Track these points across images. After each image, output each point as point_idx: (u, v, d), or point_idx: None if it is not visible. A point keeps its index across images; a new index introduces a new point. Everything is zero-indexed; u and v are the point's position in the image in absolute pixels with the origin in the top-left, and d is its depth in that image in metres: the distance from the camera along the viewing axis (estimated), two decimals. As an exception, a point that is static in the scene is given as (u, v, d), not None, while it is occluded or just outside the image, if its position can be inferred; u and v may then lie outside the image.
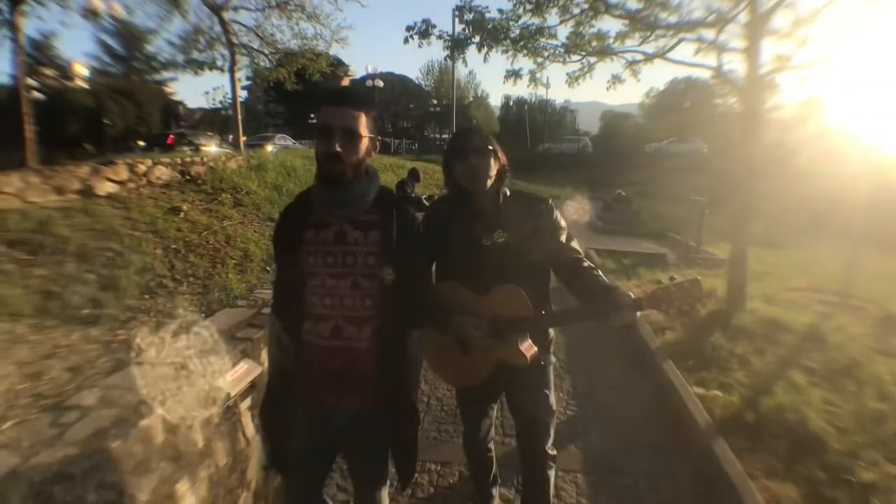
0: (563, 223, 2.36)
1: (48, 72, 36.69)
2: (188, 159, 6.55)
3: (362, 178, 1.99)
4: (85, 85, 39.15)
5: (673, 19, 6.25)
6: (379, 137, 2.06)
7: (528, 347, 2.20)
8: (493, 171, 2.27)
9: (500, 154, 2.32)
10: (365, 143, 1.94)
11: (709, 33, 6.06)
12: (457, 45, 6.75)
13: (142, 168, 5.65)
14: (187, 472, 2.45)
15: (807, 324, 5.87)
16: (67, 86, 36.91)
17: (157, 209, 4.95)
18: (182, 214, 5.04)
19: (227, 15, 14.17)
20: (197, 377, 2.65)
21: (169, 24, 14.32)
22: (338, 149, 1.85)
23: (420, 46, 7.07)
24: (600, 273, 2.19)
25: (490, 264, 2.24)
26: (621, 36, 6.64)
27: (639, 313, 2.00)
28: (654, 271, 8.92)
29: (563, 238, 2.32)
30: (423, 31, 6.78)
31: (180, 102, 51.49)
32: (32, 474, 1.83)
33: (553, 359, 2.54)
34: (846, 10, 5.72)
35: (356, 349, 1.98)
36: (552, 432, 2.56)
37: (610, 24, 6.70)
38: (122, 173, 5.37)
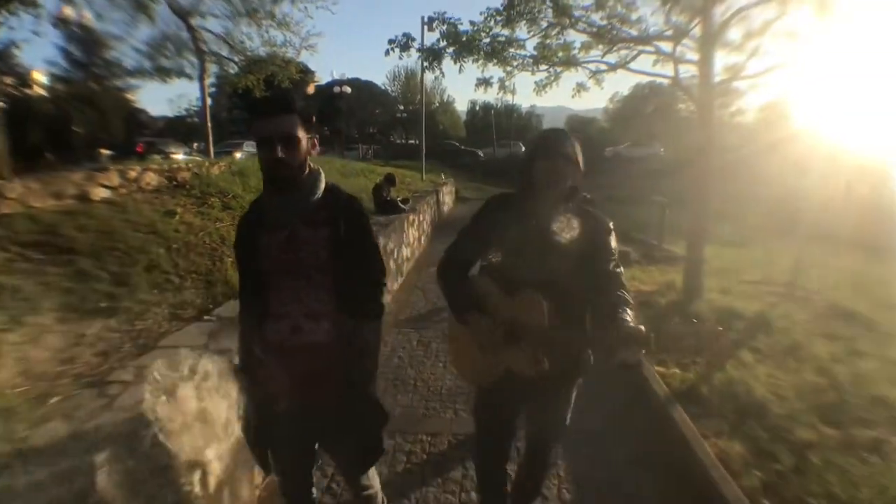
0: (615, 249, 2.26)
1: (7, 80, 35.91)
2: (175, 166, 6.82)
3: (307, 179, 2.06)
4: (44, 93, 38.37)
5: (634, 32, 6.76)
6: (317, 136, 2.13)
7: (538, 361, 2.15)
8: (569, 182, 2.18)
9: (580, 169, 2.21)
10: (304, 145, 2.00)
11: (666, 46, 6.60)
12: (434, 57, 7.18)
13: (132, 174, 5.90)
14: (214, 441, 2.78)
15: (756, 311, 6.40)
16: (27, 94, 36.15)
17: (153, 212, 5.23)
18: (177, 217, 5.33)
19: (195, 22, 14.18)
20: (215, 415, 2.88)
21: (136, 31, 14.20)
22: (280, 155, 1.92)
23: (400, 58, 7.51)
24: (629, 311, 2.04)
25: (537, 269, 2.18)
26: (586, 47, 7.14)
27: (644, 351, 1.89)
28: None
29: (610, 265, 2.20)
30: (404, 44, 7.29)
31: (142, 110, 50.64)
32: (92, 437, 2.16)
33: (580, 386, 2.47)
34: (796, 24, 6.30)
35: (315, 343, 2.06)
36: (559, 441, 2.60)
37: (575, 35, 7.15)
38: (115, 179, 5.62)
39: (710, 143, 6.45)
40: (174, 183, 6.45)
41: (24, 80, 37.41)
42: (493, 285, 2.28)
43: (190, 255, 4.68)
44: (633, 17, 6.62)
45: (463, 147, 50.99)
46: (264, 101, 2.06)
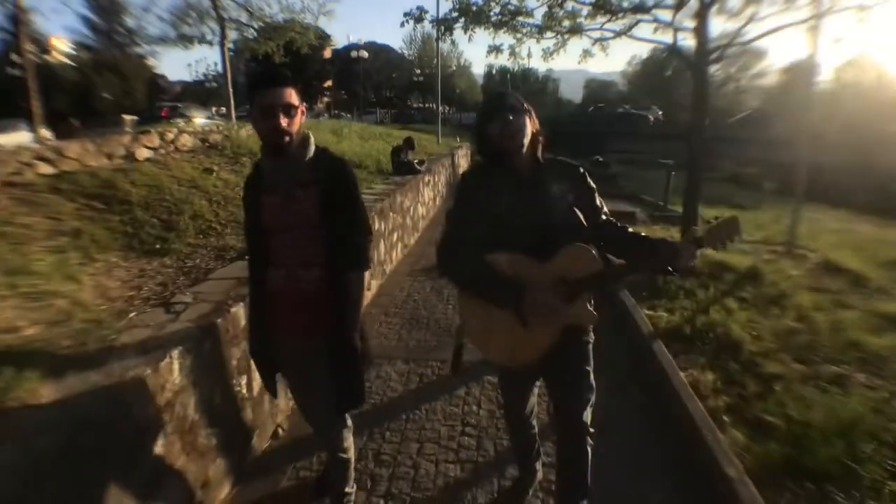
0: (594, 188, 2.32)
1: (28, 47, 36.09)
2: (207, 128, 7.35)
3: (299, 144, 2.26)
4: (65, 59, 38.90)
5: (636, 1, 7.12)
6: (305, 105, 2.28)
7: (591, 305, 2.23)
8: (529, 131, 2.17)
9: (534, 117, 2.23)
10: (300, 114, 2.20)
11: (665, 15, 6.97)
12: (445, 27, 7.61)
13: (170, 136, 6.43)
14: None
15: (749, 266, 6.83)
16: (48, 61, 36.66)
17: (193, 170, 5.77)
18: (214, 174, 5.88)
19: None
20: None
21: (160, 0, 14.59)
22: (283, 124, 2.11)
23: (414, 29, 7.93)
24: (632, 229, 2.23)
25: (549, 221, 2.17)
26: (591, 15, 7.49)
27: (699, 252, 2.08)
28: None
29: (598, 202, 2.32)
30: (418, 17, 7.77)
31: (162, 76, 50.98)
32: (167, 338, 2.72)
33: (592, 336, 2.47)
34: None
35: (305, 290, 2.32)
36: (591, 409, 2.47)
37: (580, 4, 7.51)
38: (156, 141, 6.15)
39: (704, 108, 6.84)
40: (207, 144, 6.98)
41: (43, 46, 37.97)
42: (519, 257, 2.17)
43: (228, 207, 5.23)
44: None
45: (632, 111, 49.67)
46: (266, 74, 2.16)
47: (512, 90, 2.43)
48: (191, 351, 2.69)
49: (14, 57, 34.01)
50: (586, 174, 2.32)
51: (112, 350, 2.56)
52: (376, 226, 6.40)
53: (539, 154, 2.26)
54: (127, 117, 23.64)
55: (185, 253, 4.20)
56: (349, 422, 2.63)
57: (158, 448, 2.43)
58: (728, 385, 4.06)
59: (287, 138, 2.16)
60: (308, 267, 2.32)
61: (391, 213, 7.44)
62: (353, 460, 2.73)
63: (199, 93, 50.16)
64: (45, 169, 4.70)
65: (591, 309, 2.22)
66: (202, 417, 2.80)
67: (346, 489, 2.74)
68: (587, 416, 2.43)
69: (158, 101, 36.96)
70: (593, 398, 2.46)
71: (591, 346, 2.46)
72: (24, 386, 2.12)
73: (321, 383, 2.38)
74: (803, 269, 7.19)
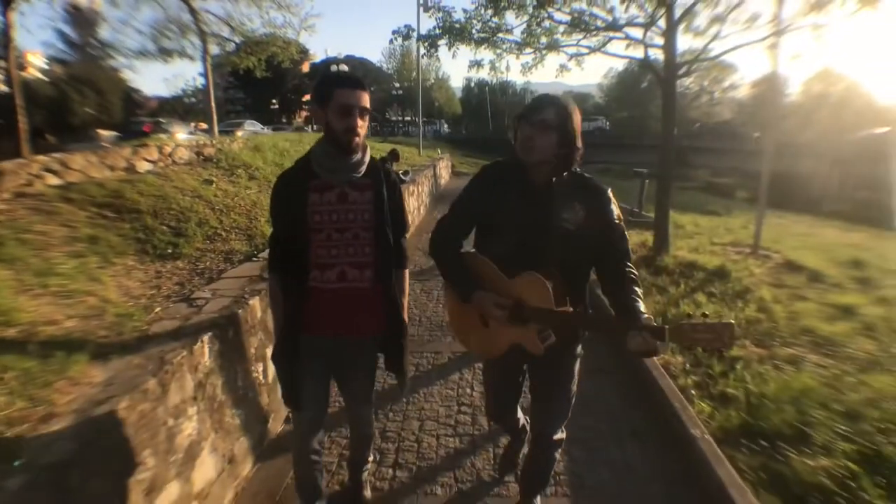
0: (619, 217, 2.19)
1: (2, 64, 35.50)
2: (202, 142, 7.66)
3: (363, 148, 2.38)
4: (40, 75, 38.59)
5: (609, 19, 7.60)
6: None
7: (548, 338, 2.16)
8: (553, 151, 2.08)
9: (573, 135, 2.09)
10: (367, 119, 2.34)
11: (636, 32, 7.47)
12: (430, 44, 8.05)
13: (167, 149, 6.73)
14: (270, 343, 3.67)
15: (717, 265, 7.29)
16: (24, 77, 36.27)
17: (193, 181, 6.08)
18: (214, 185, 6.19)
19: (196, 4, 14.60)
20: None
21: (139, 13, 14.62)
22: (359, 124, 2.24)
23: (402, 46, 8.34)
24: (638, 289, 2.09)
25: (541, 248, 2.13)
26: (567, 32, 7.95)
27: (660, 344, 1.87)
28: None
29: (619, 234, 2.16)
30: (406, 34, 8.25)
31: (137, 90, 50.59)
32: (195, 326, 3.04)
33: (581, 351, 2.48)
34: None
35: (360, 289, 2.40)
36: (567, 415, 2.57)
37: (559, 16, 7.97)
38: (154, 154, 6.44)
39: (673, 119, 7.32)
40: (202, 157, 7.29)
41: (20, 62, 37.48)
42: (491, 265, 2.21)
43: (231, 215, 5.56)
44: (607, 6, 7.50)
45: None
46: (348, 75, 2.35)
47: (566, 100, 2.16)
48: (218, 337, 3.03)
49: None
50: (612, 202, 2.18)
51: (147, 338, 2.89)
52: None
53: (565, 170, 2.16)
54: (104, 132, 23.61)
55: (196, 256, 4.52)
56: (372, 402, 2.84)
57: (193, 423, 2.76)
58: (696, 366, 4.49)
59: (358, 139, 2.27)
60: (361, 267, 2.39)
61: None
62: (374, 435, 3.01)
63: (177, 108, 50.00)
64: (53, 180, 4.99)
65: (541, 339, 2.14)
66: (228, 398, 3.13)
67: (369, 458, 3.04)
68: (559, 433, 2.58)
69: (134, 115, 36.82)
70: (569, 414, 2.58)
71: (579, 361, 2.50)
72: (75, 367, 2.44)
73: (367, 376, 2.66)
74: (766, 268, 7.67)
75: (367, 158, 2.41)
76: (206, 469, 2.85)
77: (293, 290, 2.37)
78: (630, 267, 2.15)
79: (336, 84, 2.23)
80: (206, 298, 3.51)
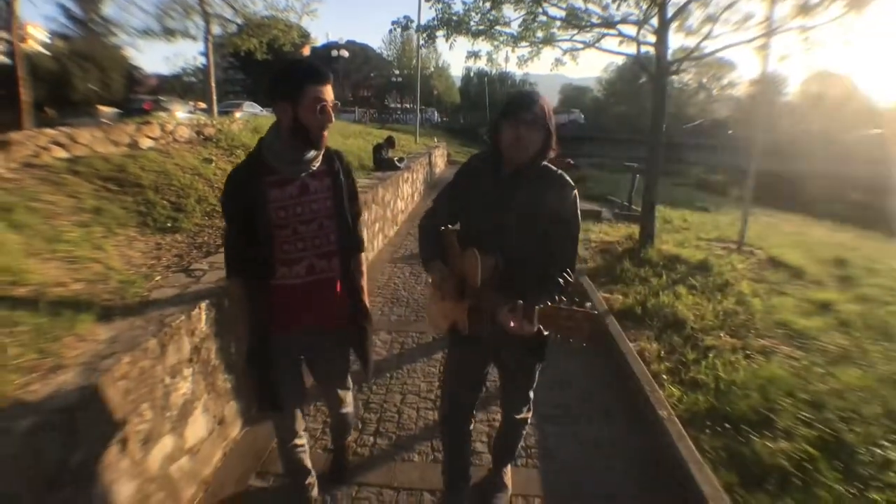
0: (577, 209, 2.28)
1: (3, 35, 35.41)
2: (202, 122, 7.82)
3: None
4: (41, 48, 38.39)
5: (604, 15, 7.78)
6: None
7: (474, 320, 2.24)
8: (539, 146, 2.18)
9: (549, 132, 2.18)
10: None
11: (629, 30, 7.65)
12: (429, 35, 8.23)
13: (168, 127, 6.89)
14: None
15: (700, 259, 7.50)
16: (24, 49, 36.00)
17: (194, 159, 6.24)
18: (213, 164, 6.36)
19: None
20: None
21: None
22: (332, 119, 2.19)
23: (401, 36, 8.49)
24: (552, 287, 2.16)
25: (496, 226, 2.23)
26: (563, 27, 8.12)
27: (512, 323, 1.92)
28: (587, 223, 10.53)
29: (572, 227, 2.27)
30: (405, 25, 8.44)
31: (137, 67, 50.35)
32: (193, 294, 3.23)
33: (545, 361, 2.51)
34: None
35: (329, 278, 2.41)
36: (529, 400, 2.74)
37: (555, 12, 8.14)
38: (156, 131, 6.59)
39: (662, 116, 7.51)
40: (202, 136, 7.44)
41: (20, 35, 37.21)
42: (454, 242, 2.37)
43: (228, 192, 5.74)
44: (602, 2, 7.68)
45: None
46: (321, 70, 2.16)
47: (540, 97, 2.20)
48: (214, 305, 3.22)
49: (-6, 44, 33.75)
50: (576, 197, 2.27)
51: (148, 303, 3.08)
52: (364, 214, 6.96)
53: (539, 162, 2.25)
54: (105, 109, 23.62)
55: (194, 231, 4.70)
56: (351, 383, 2.90)
57: (188, 384, 2.95)
58: (670, 353, 4.69)
59: (325, 132, 2.22)
60: (328, 256, 2.38)
61: (374, 206, 8.00)
62: (352, 410, 3.03)
63: (176, 86, 49.83)
64: (60, 153, 5.13)
65: (470, 318, 2.24)
66: (221, 363, 3.32)
67: (350, 429, 3.19)
68: (523, 412, 2.75)
69: (134, 93, 36.75)
70: (530, 400, 2.75)
71: (538, 369, 2.60)
72: (81, 326, 2.63)
73: (341, 363, 2.72)
74: (749, 264, 7.88)
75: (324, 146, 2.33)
76: (197, 427, 3.05)
77: (259, 291, 2.30)
78: (567, 272, 2.22)
79: (307, 79, 2.12)
80: (204, 270, 3.69)
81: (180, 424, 2.86)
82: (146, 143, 6.31)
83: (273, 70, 2.24)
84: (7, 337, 2.34)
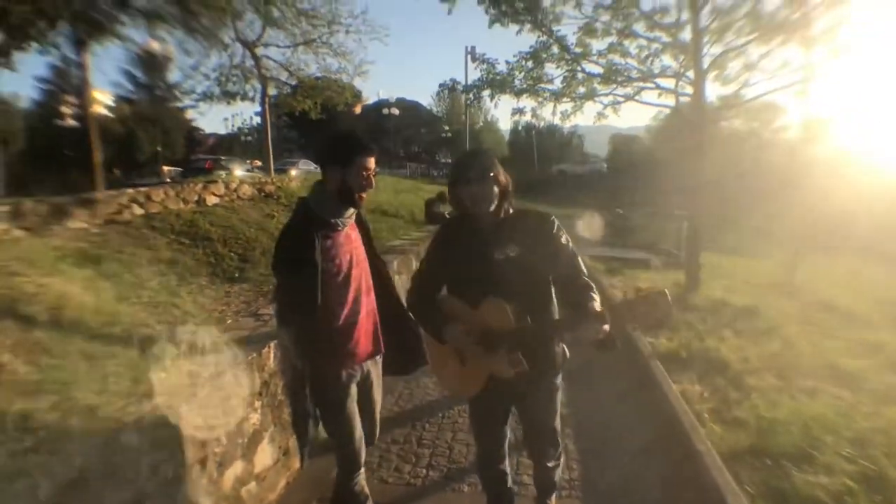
0: (566, 240, 2.41)
1: (70, 99, 37.38)
2: (263, 180, 8.39)
3: None
4: (107, 112, 40.72)
5: (641, 68, 8.11)
6: None
7: (516, 361, 2.25)
8: (495, 194, 2.34)
9: (502, 176, 2.36)
10: None
11: (666, 82, 7.95)
12: (474, 95, 8.71)
13: (232, 186, 7.45)
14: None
15: (746, 304, 7.53)
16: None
17: (257, 214, 6.75)
18: (275, 219, 6.84)
19: (259, 51, 15.50)
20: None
21: (207, 61, 15.45)
22: (373, 185, 2.56)
23: (448, 97, 8.96)
24: (595, 295, 2.25)
25: (491, 279, 2.32)
26: (603, 81, 8.46)
27: (606, 327, 2.01)
28: (636, 272, 10.65)
29: (567, 254, 2.39)
30: (451, 87, 9.00)
31: (197, 128, 52.70)
32: (262, 336, 3.56)
33: (561, 383, 2.67)
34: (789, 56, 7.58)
35: (372, 311, 2.76)
36: (557, 444, 2.82)
37: (592, 69, 8.52)
38: (221, 189, 7.16)
39: (704, 162, 7.71)
40: (263, 193, 7.99)
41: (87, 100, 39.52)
42: (458, 302, 2.47)
43: (290, 245, 6.17)
44: (642, 56, 8.03)
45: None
46: (368, 143, 2.55)
47: (482, 151, 2.57)
48: (280, 346, 3.54)
49: (64, 109, 36.17)
50: (557, 227, 2.42)
51: (227, 343, 3.42)
52: (413, 265, 7.29)
53: (505, 209, 2.41)
54: (167, 168, 24.96)
55: (260, 280, 5.10)
56: None
57: (258, 415, 3.26)
58: (713, 394, 4.76)
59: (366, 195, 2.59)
60: (369, 293, 2.74)
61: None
62: None
63: (234, 145, 52.03)
64: (138, 210, 5.69)
65: (512, 362, 2.26)
66: (285, 398, 3.61)
67: None
68: (552, 458, 2.83)
69: (194, 153, 38.67)
70: (561, 455, 2.86)
71: (559, 393, 2.69)
72: (166, 360, 2.97)
73: (381, 388, 3.00)
74: (797, 307, 7.87)
75: None
76: (265, 456, 3.34)
77: (321, 337, 2.54)
78: (585, 278, 2.34)
79: (359, 150, 2.49)
80: (271, 315, 4.04)
81: (250, 451, 3.16)
82: (212, 200, 6.85)
83: (327, 137, 2.66)
84: (108, 367, 2.70)
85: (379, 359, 2.90)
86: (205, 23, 6.95)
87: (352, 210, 2.61)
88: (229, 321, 3.90)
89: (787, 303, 8.03)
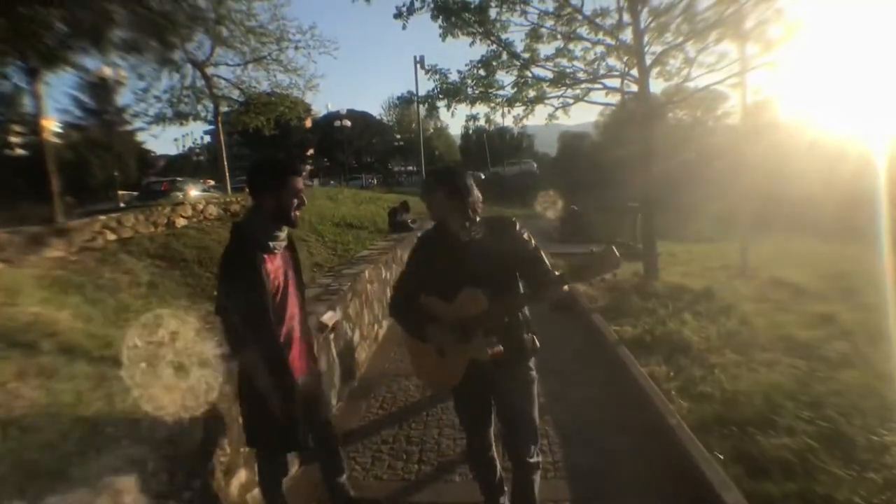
0: (528, 236, 2.69)
1: (17, 128, 36.43)
2: (228, 199, 8.46)
3: None
4: (56, 139, 39.58)
5: (588, 69, 8.49)
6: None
7: (492, 343, 2.52)
8: (455, 206, 2.58)
9: (466, 189, 2.59)
10: None
11: (614, 82, 8.33)
12: (430, 105, 8.97)
13: (199, 207, 7.52)
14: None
15: (704, 287, 7.93)
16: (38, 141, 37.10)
17: (227, 233, 6.82)
18: (246, 236, 6.95)
19: (209, 70, 15.39)
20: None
21: (158, 83, 15.32)
22: (305, 203, 2.72)
23: (406, 108, 9.21)
24: (551, 270, 2.56)
25: (464, 274, 2.56)
26: (552, 84, 8.81)
27: (566, 287, 2.39)
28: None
29: (530, 249, 2.65)
30: (408, 99, 9.15)
31: (148, 151, 51.85)
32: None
33: (534, 374, 2.81)
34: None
35: (303, 328, 2.93)
36: (536, 438, 2.83)
37: (542, 74, 8.88)
38: (189, 211, 7.22)
39: (651, 156, 8.10)
40: (229, 213, 8.06)
41: (35, 127, 38.49)
42: (435, 300, 2.70)
43: (263, 262, 6.30)
44: (587, 58, 8.41)
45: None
46: (296, 165, 2.85)
47: (445, 168, 3.05)
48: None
49: (13, 139, 35.12)
50: (517, 225, 2.71)
51: (216, 356, 3.55)
52: (383, 274, 7.47)
53: (472, 216, 2.62)
54: (122, 193, 24.53)
55: (239, 297, 5.22)
56: None
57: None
58: (678, 373, 5.07)
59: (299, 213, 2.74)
60: (301, 310, 2.92)
61: (393, 265, 8.52)
62: None
63: (185, 165, 51.31)
64: (111, 236, 5.73)
65: (489, 344, 2.52)
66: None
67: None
68: (534, 456, 2.80)
69: (146, 175, 38.06)
70: (537, 437, 2.84)
71: (535, 385, 2.82)
72: (166, 377, 3.10)
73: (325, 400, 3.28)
74: (752, 287, 8.31)
75: None
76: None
77: (273, 352, 2.63)
78: (547, 267, 2.60)
79: (291, 172, 2.66)
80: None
81: (251, 459, 3.29)
82: (181, 222, 6.91)
83: (257, 163, 2.75)
84: (115, 386, 2.82)
85: (316, 373, 3.07)
86: (159, 45, 7.01)
87: (285, 232, 2.74)
88: (217, 338, 4.02)
89: (741, 283, 8.45)
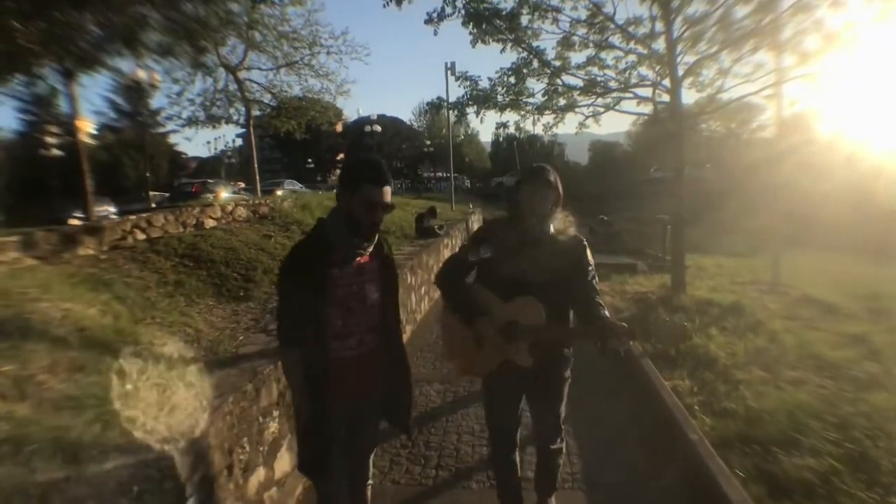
0: (592, 261, 2.77)
1: (52, 129, 37.27)
2: (257, 202, 8.57)
3: None
4: (90, 140, 40.50)
5: (620, 79, 8.44)
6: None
7: (536, 354, 2.61)
8: (550, 205, 2.66)
9: (559, 194, 2.68)
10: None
11: (646, 91, 8.27)
12: (459, 111, 9.00)
13: (228, 209, 7.62)
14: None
15: (732, 302, 7.80)
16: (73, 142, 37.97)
17: (255, 235, 6.92)
18: (273, 239, 7.02)
19: (242, 75, 15.59)
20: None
21: (192, 87, 15.55)
22: (381, 219, 2.40)
23: (436, 114, 9.28)
24: (602, 308, 2.64)
25: (530, 281, 2.62)
26: (583, 92, 8.77)
27: (625, 339, 2.46)
28: (624, 276, 10.93)
29: (590, 276, 2.73)
30: (438, 105, 9.20)
31: (180, 153, 52.67)
32: (274, 350, 3.74)
33: (569, 374, 2.94)
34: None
35: (373, 351, 2.54)
36: (561, 430, 3.06)
37: (572, 82, 8.85)
38: (218, 213, 7.33)
39: (682, 168, 8.01)
40: (257, 215, 8.16)
41: (70, 128, 39.59)
42: (489, 293, 2.74)
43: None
44: (619, 67, 8.37)
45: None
46: (380, 171, 2.39)
47: (548, 167, 2.73)
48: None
49: (48, 139, 36.03)
50: (587, 249, 2.78)
51: (238, 357, 3.61)
52: (408, 280, 7.50)
53: (553, 222, 2.73)
54: (154, 194, 24.99)
55: (264, 298, 5.27)
56: None
57: (276, 424, 3.44)
58: (702, 388, 4.99)
59: (377, 229, 2.44)
60: (371, 331, 2.54)
61: (419, 270, 8.56)
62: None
63: (216, 168, 52.05)
64: (141, 236, 5.84)
65: (530, 353, 2.62)
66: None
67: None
68: (557, 443, 3.06)
69: (178, 177, 38.73)
70: (561, 429, 3.07)
71: (567, 384, 2.96)
72: (189, 375, 3.15)
73: (375, 430, 2.78)
74: (782, 303, 8.15)
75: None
76: (283, 462, 3.52)
77: (315, 363, 2.36)
78: (597, 296, 2.72)
79: (366, 178, 2.35)
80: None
81: (270, 458, 3.34)
82: (210, 223, 7.02)
83: (349, 160, 2.70)
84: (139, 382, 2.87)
85: (374, 402, 2.68)
86: (192, 49, 7.15)
87: (367, 241, 2.45)
88: (241, 337, 4.07)
89: (771, 299, 8.30)
